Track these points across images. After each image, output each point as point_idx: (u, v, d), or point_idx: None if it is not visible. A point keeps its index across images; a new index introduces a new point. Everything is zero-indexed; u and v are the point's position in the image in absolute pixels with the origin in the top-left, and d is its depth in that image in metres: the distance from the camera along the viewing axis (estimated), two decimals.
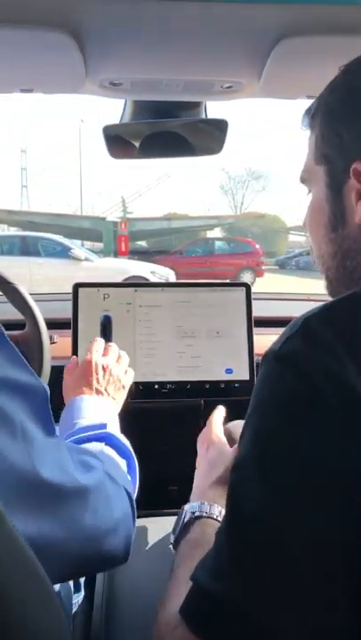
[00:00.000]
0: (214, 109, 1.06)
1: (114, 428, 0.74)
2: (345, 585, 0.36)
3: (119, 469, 0.64)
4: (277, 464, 0.39)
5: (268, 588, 0.37)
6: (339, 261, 0.53)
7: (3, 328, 0.47)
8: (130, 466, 0.70)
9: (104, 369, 0.84)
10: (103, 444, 0.68)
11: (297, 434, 0.39)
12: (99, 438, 0.68)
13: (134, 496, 0.65)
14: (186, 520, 0.71)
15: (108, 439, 0.69)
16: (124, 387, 0.87)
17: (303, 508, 0.37)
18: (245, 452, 0.42)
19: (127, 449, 0.71)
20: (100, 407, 0.77)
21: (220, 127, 1.04)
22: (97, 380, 0.82)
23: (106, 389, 0.82)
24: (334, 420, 0.37)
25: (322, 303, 0.44)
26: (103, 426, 0.71)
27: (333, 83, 0.55)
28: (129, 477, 0.67)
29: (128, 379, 0.89)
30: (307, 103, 0.96)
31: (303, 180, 0.58)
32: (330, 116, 0.53)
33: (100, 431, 0.69)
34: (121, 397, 0.85)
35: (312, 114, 0.56)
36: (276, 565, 0.37)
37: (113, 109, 1.07)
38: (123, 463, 0.68)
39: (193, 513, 0.66)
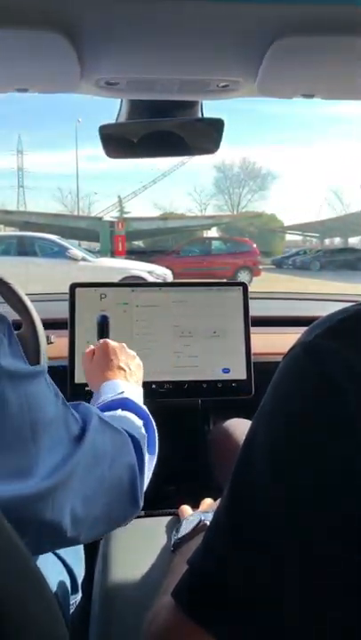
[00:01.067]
0: (212, 108, 1.06)
1: (133, 395, 0.77)
2: (339, 577, 0.36)
3: (132, 424, 0.68)
4: (289, 456, 0.38)
5: (259, 574, 0.37)
6: None
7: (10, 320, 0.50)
8: (147, 425, 0.72)
9: (119, 349, 0.90)
10: (119, 409, 0.72)
11: (313, 430, 0.38)
12: (115, 406, 0.72)
13: (154, 451, 0.70)
14: (199, 526, 0.71)
15: (125, 404, 0.73)
16: (139, 365, 0.92)
17: (309, 502, 0.37)
18: (257, 437, 0.41)
19: (143, 411, 0.74)
20: (122, 384, 0.81)
21: (216, 126, 1.04)
22: (117, 358, 0.87)
23: (127, 365, 0.87)
24: (351, 420, 0.37)
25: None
26: (120, 393, 0.75)
27: None
28: (145, 434, 0.69)
29: (139, 359, 0.94)
30: (303, 102, 0.96)
31: None
32: None
33: (116, 397, 0.74)
34: (140, 372, 0.91)
35: None
36: (269, 553, 0.37)
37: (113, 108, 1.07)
38: (140, 423, 0.71)
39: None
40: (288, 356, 0.42)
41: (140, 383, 0.88)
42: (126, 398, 0.74)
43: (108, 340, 0.92)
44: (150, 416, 0.74)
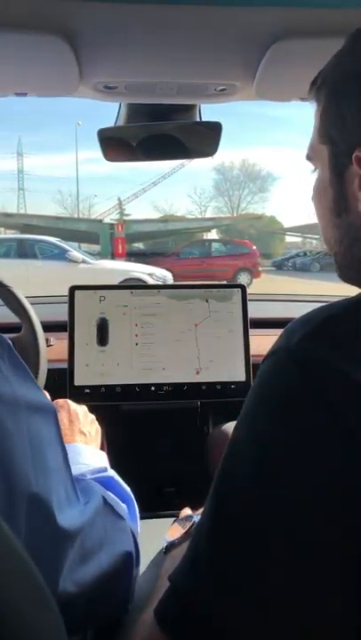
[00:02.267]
0: (210, 110, 1.07)
1: (111, 470, 0.72)
2: (324, 597, 0.35)
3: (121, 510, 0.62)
4: (275, 470, 0.37)
5: (243, 598, 0.36)
6: (346, 248, 0.50)
7: (11, 342, 0.45)
8: (130, 510, 0.67)
9: (81, 413, 0.86)
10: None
11: (299, 441, 0.37)
12: (99, 482, 0.66)
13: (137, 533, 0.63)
14: (191, 529, 0.69)
15: (108, 483, 0.66)
16: (98, 430, 0.88)
17: (294, 514, 0.36)
18: (240, 445, 0.40)
19: (125, 491, 0.69)
20: (94, 452, 0.76)
21: (214, 129, 1.05)
22: (78, 421, 0.83)
23: (88, 430, 0.83)
24: (353, 433, 0.35)
25: (339, 300, 0.42)
26: (104, 469, 0.69)
27: (340, 54, 0.49)
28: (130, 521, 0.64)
29: (98, 425, 0.90)
30: (301, 105, 0.97)
31: (309, 158, 0.54)
32: (334, 92, 0.48)
33: (101, 475, 0.67)
34: (99, 438, 0.86)
35: (318, 86, 0.51)
36: (252, 570, 0.36)
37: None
38: (124, 507, 0.66)
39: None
40: (270, 362, 0.41)
41: (99, 447, 0.84)
42: (111, 477, 0.68)
43: (69, 400, 0.87)
44: (131, 495, 0.69)
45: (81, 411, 0.86)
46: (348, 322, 0.40)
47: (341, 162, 0.47)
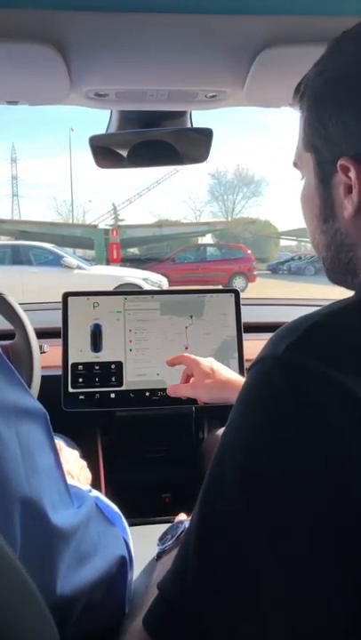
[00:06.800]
0: (202, 116, 1.08)
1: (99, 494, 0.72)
2: (313, 604, 0.35)
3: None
4: (261, 480, 0.37)
5: (231, 606, 0.36)
6: (333, 254, 0.51)
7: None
8: (119, 526, 0.66)
9: (71, 456, 0.87)
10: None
11: (285, 448, 0.37)
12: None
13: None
14: (182, 535, 0.69)
15: (95, 500, 0.65)
16: (88, 478, 0.88)
17: (279, 522, 0.36)
18: (228, 453, 0.40)
19: (115, 512, 0.68)
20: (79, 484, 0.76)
21: (205, 136, 1.05)
22: (67, 463, 0.82)
23: (78, 474, 0.83)
24: (341, 438, 0.35)
25: (323, 307, 0.42)
26: (89, 490, 0.69)
27: (321, 63, 0.49)
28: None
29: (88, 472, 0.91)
30: (291, 111, 0.97)
31: (296, 165, 0.55)
32: (315, 101, 0.48)
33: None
34: (83, 479, 0.86)
35: (300, 93, 0.51)
36: (239, 579, 0.36)
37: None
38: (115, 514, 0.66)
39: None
40: (257, 370, 0.41)
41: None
42: (96, 496, 0.66)
43: (63, 443, 0.89)
44: (119, 512, 0.68)
45: (72, 456, 0.87)
46: (333, 329, 0.40)
47: (327, 170, 0.48)
